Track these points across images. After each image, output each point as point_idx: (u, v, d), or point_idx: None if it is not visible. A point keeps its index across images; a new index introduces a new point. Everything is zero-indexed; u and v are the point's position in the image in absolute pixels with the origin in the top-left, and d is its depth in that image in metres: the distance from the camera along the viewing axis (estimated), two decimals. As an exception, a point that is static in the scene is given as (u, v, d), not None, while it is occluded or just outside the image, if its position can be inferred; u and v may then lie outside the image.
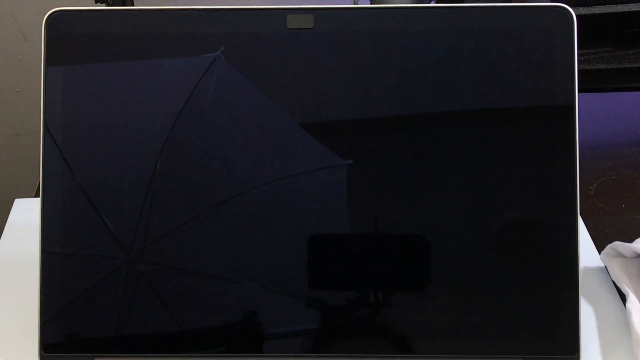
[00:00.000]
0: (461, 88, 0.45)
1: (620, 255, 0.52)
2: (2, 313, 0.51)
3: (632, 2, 0.66)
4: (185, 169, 0.46)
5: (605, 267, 0.53)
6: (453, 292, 0.45)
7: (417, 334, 0.45)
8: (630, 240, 0.51)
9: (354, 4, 0.78)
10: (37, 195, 0.48)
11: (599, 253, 0.54)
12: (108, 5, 0.77)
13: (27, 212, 0.61)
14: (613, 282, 0.52)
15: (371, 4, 0.68)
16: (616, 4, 0.66)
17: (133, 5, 0.80)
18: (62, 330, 0.46)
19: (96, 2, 0.78)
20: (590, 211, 0.62)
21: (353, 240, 0.46)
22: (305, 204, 0.45)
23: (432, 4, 0.48)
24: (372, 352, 0.46)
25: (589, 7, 0.66)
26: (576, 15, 0.45)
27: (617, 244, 0.52)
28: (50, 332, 0.46)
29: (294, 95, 0.46)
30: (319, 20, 0.46)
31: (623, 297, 0.50)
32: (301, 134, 0.46)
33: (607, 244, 0.53)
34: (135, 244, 0.46)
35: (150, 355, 0.46)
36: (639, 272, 0.50)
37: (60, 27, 0.46)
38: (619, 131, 0.75)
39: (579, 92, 0.45)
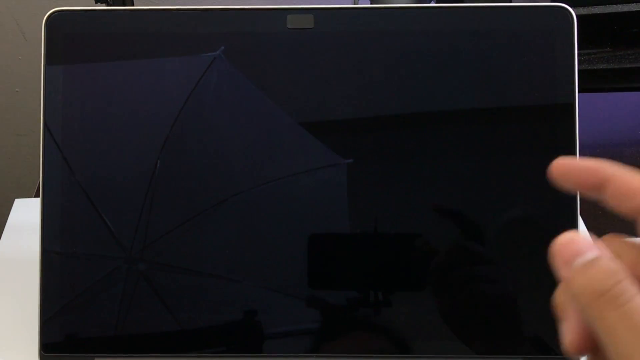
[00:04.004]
0: (461, 88, 0.45)
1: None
2: (2, 313, 0.51)
3: (632, 2, 0.66)
4: (185, 168, 0.46)
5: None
6: (453, 291, 0.45)
7: (417, 334, 0.45)
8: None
9: (354, 4, 0.78)
10: (37, 195, 0.48)
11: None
12: (108, 5, 0.77)
13: (27, 212, 0.61)
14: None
15: (371, 4, 0.68)
16: (616, 4, 0.66)
17: (133, 5, 0.80)
18: (62, 330, 0.46)
19: (96, 2, 0.78)
20: (590, 211, 0.62)
21: (353, 240, 0.46)
22: (305, 203, 0.45)
23: (432, 4, 0.48)
24: (372, 352, 0.46)
25: (589, 7, 0.66)
26: (576, 15, 0.45)
27: None
28: (50, 331, 0.46)
29: (294, 94, 0.46)
30: (319, 20, 0.46)
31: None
32: (301, 133, 0.46)
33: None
34: (136, 243, 0.46)
35: (150, 355, 0.46)
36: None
37: (60, 27, 0.46)
38: (619, 131, 0.75)
39: (579, 92, 0.45)
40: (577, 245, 0.24)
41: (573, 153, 0.45)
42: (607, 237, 0.26)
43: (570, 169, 0.27)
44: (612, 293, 0.23)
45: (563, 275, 0.25)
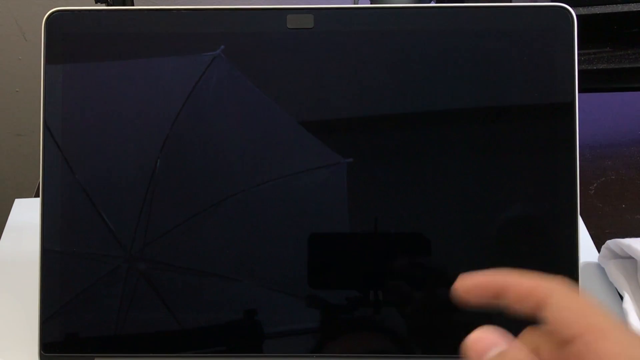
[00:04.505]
0: (461, 88, 0.45)
1: (616, 256, 0.52)
2: (2, 313, 0.51)
3: (632, 2, 0.66)
4: (185, 167, 0.46)
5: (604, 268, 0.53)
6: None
7: (417, 334, 0.45)
8: (630, 241, 0.51)
9: (354, 4, 0.78)
10: (37, 195, 0.48)
11: (599, 253, 0.54)
12: (108, 5, 0.77)
13: (27, 212, 0.61)
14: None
15: (371, 4, 0.68)
16: (616, 4, 0.66)
17: (133, 5, 0.80)
18: (62, 330, 0.46)
19: (96, 2, 0.78)
20: (590, 211, 0.62)
21: (353, 239, 0.46)
22: (305, 203, 0.45)
23: (432, 4, 0.48)
24: (372, 352, 0.46)
25: (589, 7, 0.66)
26: (576, 15, 0.45)
27: (610, 243, 0.52)
28: (50, 331, 0.46)
29: (294, 94, 0.46)
30: (319, 20, 0.46)
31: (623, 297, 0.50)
32: (301, 132, 0.46)
33: (606, 245, 0.52)
34: (135, 243, 0.46)
35: (150, 355, 0.46)
36: (636, 271, 0.50)
37: (60, 26, 0.46)
38: (619, 131, 0.75)
39: (579, 92, 0.45)
40: (486, 341, 0.28)
41: (573, 153, 0.45)
42: (525, 331, 0.29)
43: (469, 287, 0.30)
44: None
45: None
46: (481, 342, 0.28)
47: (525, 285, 0.29)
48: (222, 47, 0.46)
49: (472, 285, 0.31)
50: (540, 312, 0.29)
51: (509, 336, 0.29)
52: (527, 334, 0.30)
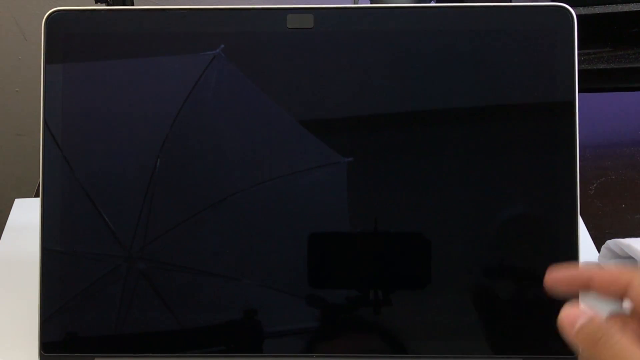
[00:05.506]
0: (461, 87, 0.45)
1: (616, 256, 0.52)
2: (2, 313, 0.51)
3: (632, 2, 0.66)
4: (185, 167, 0.46)
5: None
6: (453, 291, 0.45)
7: (417, 334, 0.45)
8: (630, 241, 0.51)
9: (354, 3, 0.78)
10: (37, 195, 0.48)
11: (599, 253, 0.54)
12: (108, 5, 0.77)
13: (27, 212, 0.61)
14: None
15: (371, 3, 0.68)
16: (616, 4, 0.66)
17: (133, 5, 0.80)
18: (62, 330, 0.46)
19: (96, 2, 0.78)
20: (590, 211, 0.62)
21: (353, 239, 0.46)
22: (305, 202, 0.45)
23: (432, 4, 0.48)
24: (372, 352, 0.46)
25: (589, 7, 0.66)
26: (576, 15, 0.45)
27: (610, 243, 0.52)
28: (50, 331, 0.46)
29: (294, 93, 0.46)
30: (319, 19, 0.46)
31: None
32: (301, 132, 0.46)
33: (606, 245, 0.52)
34: (135, 242, 0.46)
35: (150, 355, 0.46)
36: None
37: (60, 26, 0.46)
38: (619, 131, 0.75)
39: (579, 92, 0.45)
40: (577, 311, 0.33)
41: (573, 153, 0.45)
42: (614, 313, 0.35)
43: (559, 278, 0.36)
44: (604, 339, 0.32)
45: (569, 334, 0.33)
46: (573, 313, 0.33)
47: (610, 274, 0.34)
48: (222, 46, 0.46)
49: (561, 276, 0.36)
50: (625, 294, 0.34)
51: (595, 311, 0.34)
52: (612, 314, 0.34)
